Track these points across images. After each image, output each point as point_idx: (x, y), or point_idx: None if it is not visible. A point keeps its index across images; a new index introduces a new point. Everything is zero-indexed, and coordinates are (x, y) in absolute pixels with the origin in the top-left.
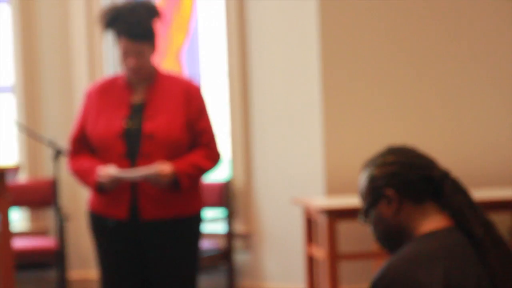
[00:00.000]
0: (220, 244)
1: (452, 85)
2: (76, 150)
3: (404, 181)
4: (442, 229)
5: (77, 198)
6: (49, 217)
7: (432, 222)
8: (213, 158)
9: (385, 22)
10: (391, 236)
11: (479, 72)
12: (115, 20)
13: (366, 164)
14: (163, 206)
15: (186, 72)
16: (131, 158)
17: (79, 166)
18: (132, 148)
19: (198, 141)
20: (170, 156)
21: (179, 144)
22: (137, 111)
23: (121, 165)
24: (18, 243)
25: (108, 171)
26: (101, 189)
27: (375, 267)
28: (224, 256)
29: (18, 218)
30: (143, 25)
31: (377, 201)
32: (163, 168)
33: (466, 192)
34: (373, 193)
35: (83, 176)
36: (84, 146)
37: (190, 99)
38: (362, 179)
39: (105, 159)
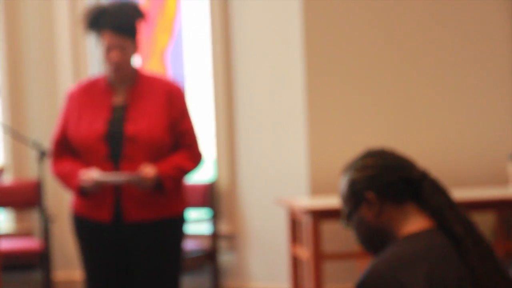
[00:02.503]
0: (205, 244)
1: (436, 87)
2: (58, 153)
3: (384, 183)
4: (424, 231)
5: (62, 199)
6: (34, 218)
7: (414, 223)
8: (196, 159)
9: (370, 25)
10: (374, 239)
11: (464, 74)
12: (99, 17)
13: (346, 168)
14: (146, 208)
15: (170, 73)
16: (114, 160)
17: (62, 170)
18: (115, 151)
19: (180, 142)
20: (152, 158)
21: (161, 146)
22: (119, 113)
23: (103, 167)
24: (3, 245)
25: (91, 175)
26: (84, 192)
27: (359, 267)
28: (209, 257)
29: (2, 220)
30: (127, 20)
31: (358, 205)
32: (147, 171)
33: (446, 192)
34: (354, 197)
35: (66, 179)
36: (66, 148)
37: (172, 100)
38: (342, 183)
39: (88, 162)
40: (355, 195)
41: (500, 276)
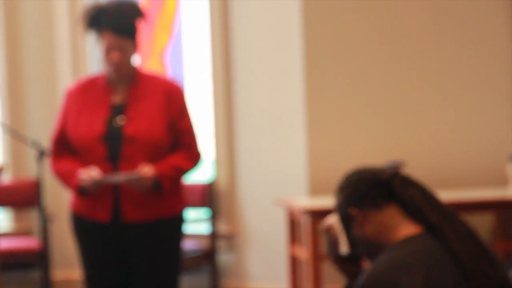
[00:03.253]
0: (204, 244)
1: (435, 87)
2: (57, 151)
3: (359, 195)
4: (416, 235)
5: (61, 199)
6: (33, 218)
7: (404, 228)
8: (194, 158)
9: (369, 25)
10: (374, 251)
11: (464, 75)
12: (98, 17)
13: (335, 195)
14: (145, 208)
15: (170, 73)
16: (113, 161)
17: (61, 169)
18: (113, 151)
19: (179, 141)
20: (151, 158)
21: (160, 146)
22: (118, 113)
23: (102, 168)
24: (2, 244)
25: (90, 174)
26: (83, 192)
27: None
28: (208, 257)
29: (1, 219)
30: (127, 20)
31: (350, 226)
32: (145, 171)
33: (419, 185)
34: (343, 220)
35: (65, 178)
36: (65, 147)
37: (171, 99)
38: (334, 208)
39: (87, 162)
40: (344, 218)
41: (483, 255)
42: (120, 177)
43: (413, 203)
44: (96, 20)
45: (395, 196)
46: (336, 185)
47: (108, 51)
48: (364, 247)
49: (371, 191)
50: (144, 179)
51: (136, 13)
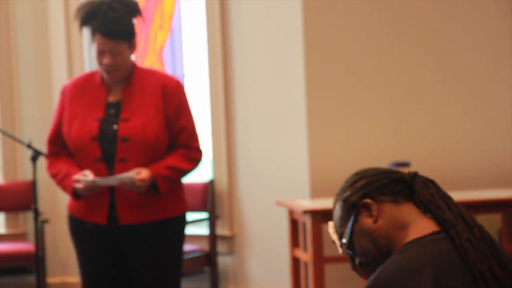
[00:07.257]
0: (203, 246)
1: (440, 87)
2: (53, 152)
3: (378, 186)
4: (427, 234)
5: (56, 201)
6: (27, 221)
7: (418, 228)
8: (193, 157)
9: (371, 24)
10: (379, 247)
11: (469, 76)
12: (91, 17)
13: (336, 196)
14: (142, 210)
15: (168, 71)
16: (107, 161)
17: (56, 171)
18: (108, 151)
19: (178, 139)
20: (147, 158)
21: (157, 146)
22: (113, 111)
23: (97, 168)
24: None
25: (84, 178)
26: (77, 195)
27: None
28: (208, 259)
29: None
30: (120, 23)
31: (357, 216)
32: (140, 173)
33: (437, 185)
34: (350, 211)
35: (60, 181)
36: (61, 147)
37: (168, 95)
38: (335, 209)
39: (81, 162)
40: (351, 208)
41: (494, 257)
42: (113, 179)
43: (434, 201)
44: (89, 20)
45: (415, 194)
46: (344, 181)
47: (100, 54)
48: (371, 244)
49: (392, 185)
50: (139, 181)
51: (131, 11)
